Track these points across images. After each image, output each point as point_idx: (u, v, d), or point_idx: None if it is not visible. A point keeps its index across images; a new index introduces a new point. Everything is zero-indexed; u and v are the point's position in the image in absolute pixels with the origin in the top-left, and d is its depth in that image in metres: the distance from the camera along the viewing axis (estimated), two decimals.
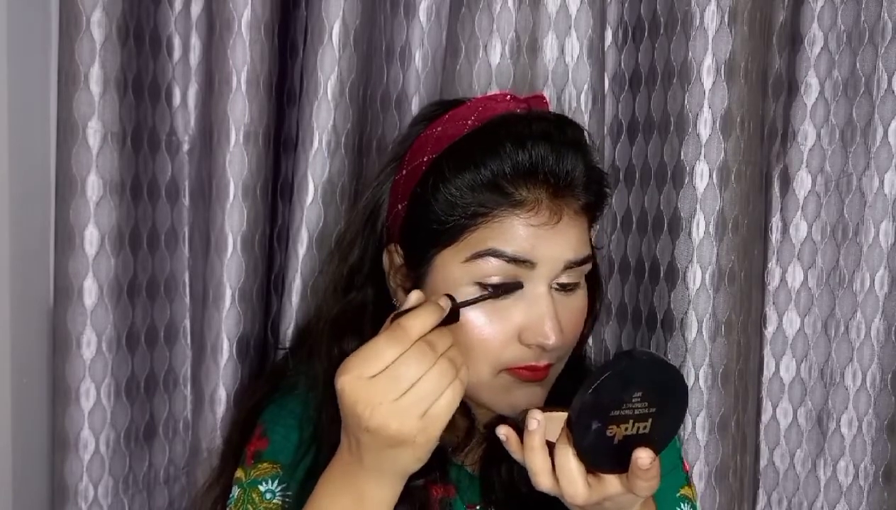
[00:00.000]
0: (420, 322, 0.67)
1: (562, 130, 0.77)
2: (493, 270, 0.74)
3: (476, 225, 0.74)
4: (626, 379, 0.67)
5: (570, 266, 0.75)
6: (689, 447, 1.02)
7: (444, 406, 0.66)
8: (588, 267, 0.78)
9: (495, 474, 0.83)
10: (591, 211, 0.79)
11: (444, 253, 0.75)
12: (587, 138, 0.80)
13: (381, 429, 0.65)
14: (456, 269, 0.75)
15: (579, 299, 0.79)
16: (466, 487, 0.84)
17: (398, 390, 0.65)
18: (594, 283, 0.84)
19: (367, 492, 0.70)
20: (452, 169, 0.75)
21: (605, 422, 0.67)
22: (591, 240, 0.80)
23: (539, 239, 0.74)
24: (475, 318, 0.74)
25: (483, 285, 0.74)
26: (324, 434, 0.80)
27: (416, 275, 0.78)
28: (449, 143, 0.77)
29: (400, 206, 0.79)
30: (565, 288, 0.77)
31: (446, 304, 0.70)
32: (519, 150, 0.74)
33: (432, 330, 0.68)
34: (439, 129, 0.80)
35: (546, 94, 1.00)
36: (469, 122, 0.78)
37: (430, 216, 0.76)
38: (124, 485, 1.07)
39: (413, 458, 0.68)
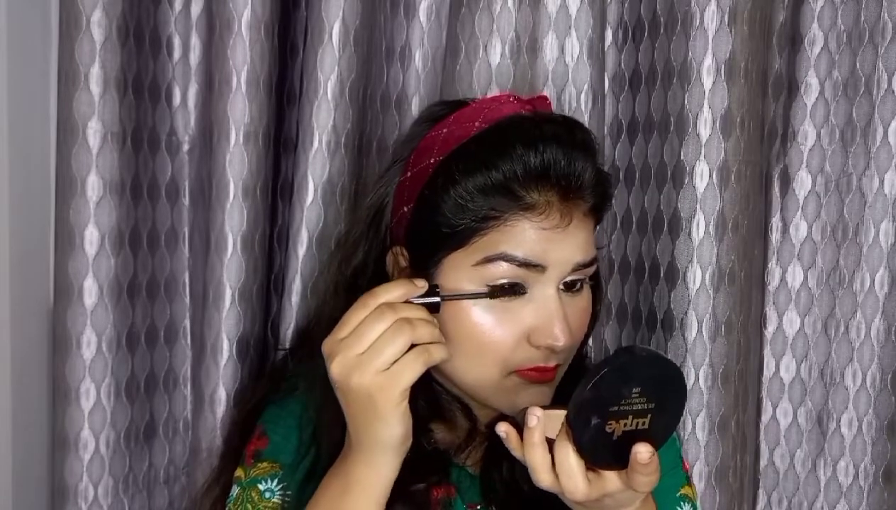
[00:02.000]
0: (387, 290, 0.72)
1: (571, 133, 0.77)
2: (504, 274, 0.74)
3: (487, 228, 0.74)
4: (625, 375, 0.67)
5: (578, 268, 0.76)
6: (689, 447, 1.02)
7: (405, 367, 0.69)
8: (594, 268, 0.78)
9: (496, 474, 0.83)
10: (598, 212, 0.79)
11: (453, 255, 0.75)
12: (594, 140, 0.80)
13: (344, 381, 0.70)
14: (465, 272, 0.75)
15: (584, 299, 0.79)
16: (467, 487, 0.84)
17: (360, 347, 0.69)
18: (595, 284, 0.84)
19: (354, 474, 0.72)
20: (462, 171, 0.75)
21: (605, 418, 0.67)
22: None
23: (550, 242, 0.74)
24: (485, 321, 0.74)
25: (490, 287, 0.74)
26: (323, 435, 0.80)
27: (422, 277, 0.77)
28: (456, 144, 0.77)
29: (406, 209, 0.79)
30: (571, 288, 0.77)
31: (422, 284, 0.73)
32: (531, 152, 0.73)
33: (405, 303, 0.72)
34: (445, 130, 0.79)
35: (546, 94, 1.00)
36: (476, 123, 0.78)
37: (438, 219, 0.75)
38: (124, 485, 1.07)
39: (382, 425, 0.70)
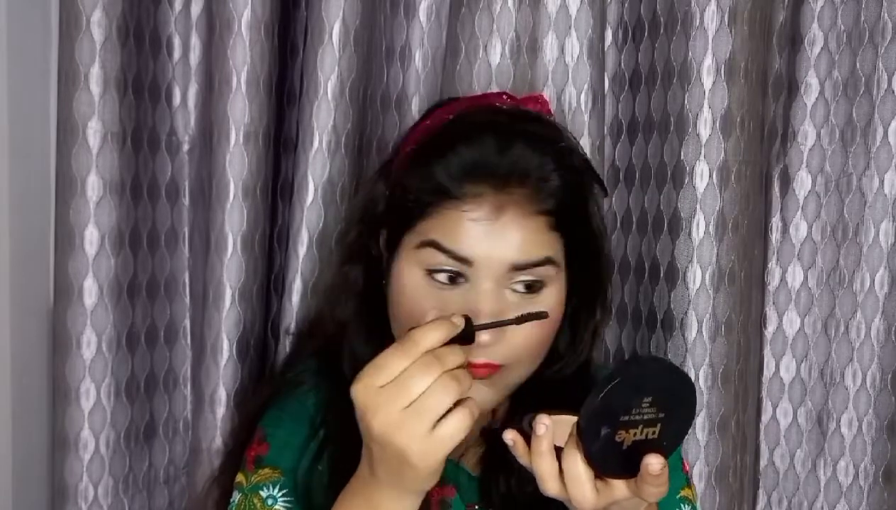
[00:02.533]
0: (429, 335, 0.66)
1: (512, 124, 0.77)
2: (437, 261, 0.75)
3: (427, 214, 0.75)
4: (635, 385, 0.66)
5: (518, 268, 0.74)
6: (690, 447, 1.02)
7: (450, 431, 0.65)
8: (547, 270, 0.76)
9: (495, 475, 0.83)
10: (555, 214, 0.75)
11: (405, 237, 0.77)
12: (553, 135, 0.78)
13: (386, 438, 0.65)
14: (407, 254, 0.77)
15: (540, 306, 0.76)
16: (466, 487, 0.84)
17: (404, 400, 0.64)
18: (595, 288, 0.83)
19: (381, 505, 0.69)
20: (415, 160, 0.77)
21: (615, 428, 0.67)
22: (585, 238, 0.79)
23: (479, 236, 0.73)
24: (419, 306, 0.75)
25: (430, 272, 0.75)
26: (333, 430, 0.80)
27: (390, 257, 0.80)
28: (425, 135, 0.80)
29: (387, 192, 0.82)
30: (530, 289, 0.75)
31: (459, 322, 0.69)
32: (466, 144, 0.75)
33: (445, 346, 0.67)
34: (427, 122, 0.82)
35: (546, 94, 1.00)
36: (449, 117, 0.80)
37: (397, 202, 0.78)
38: (124, 485, 1.06)
39: (415, 479, 0.67)
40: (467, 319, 0.71)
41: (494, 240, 0.73)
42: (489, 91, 0.98)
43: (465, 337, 0.70)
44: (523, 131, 0.76)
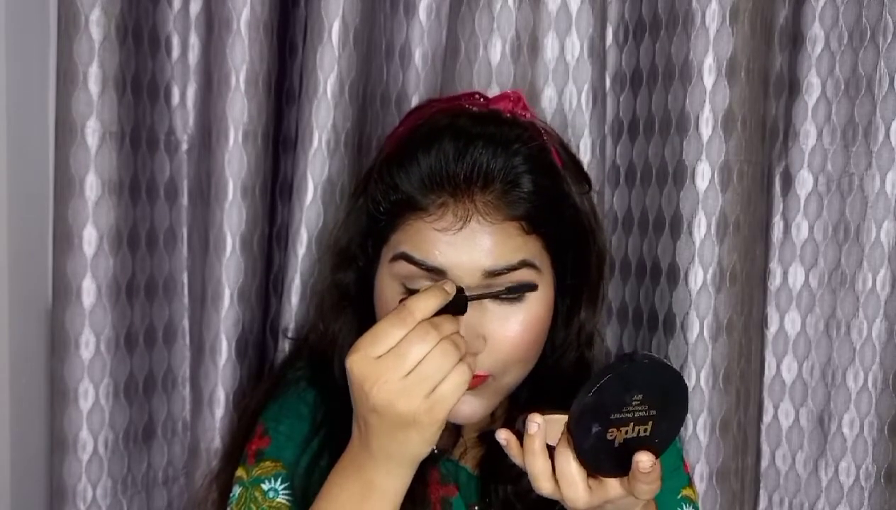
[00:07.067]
0: (423, 303, 0.67)
1: (471, 128, 0.75)
2: (410, 273, 0.74)
3: (396, 227, 0.75)
4: (626, 381, 0.66)
5: (492, 274, 0.73)
6: (691, 448, 1.01)
7: (450, 388, 0.66)
8: (526, 274, 0.74)
9: (495, 475, 0.83)
10: (529, 218, 0.74)
11: (382, 250, 0.77)
12: (520, 135, 0.76)
13: (387, 407, 0.65)
14: (385, 268, 0.76)
15: (523, 311, 0.75)
16: (468, 487, 0.84)
17: (404, 368, 0.65)
18: (583, 285, 0.82)
19: (375, 481, 0.70)
20: (382, 171, 0.76)
21: (606, 425, 0.67)
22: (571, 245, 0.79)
23: (448, 245, 0.72)
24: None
25: (407, 287, 0.74)
26: (334, 423, 0.79)
27: (374, 268, 0.79)
28: (396, 143, 0.79)
29: (367, 204, 0.81)
30: (510, 296, 0.74)
31: (451, 289, 0.70)
32: (424, 152, 0.73)
33: (439, 315, 0.68)
34: (401, 128, 0.81)
35: (546, 93, 1.00)
36: (419, 123, 0.79)
37: (372, 215, 0.77)
38: (123, 485, 1.06)
39: (420, 441, 0.67)
40: (459, 289, 0.71)
41: (463, 248, 0.72)
42: (491, 91, 0.98)
43: (457, 309, 0.70)
44: (483, 134, 0.74)
